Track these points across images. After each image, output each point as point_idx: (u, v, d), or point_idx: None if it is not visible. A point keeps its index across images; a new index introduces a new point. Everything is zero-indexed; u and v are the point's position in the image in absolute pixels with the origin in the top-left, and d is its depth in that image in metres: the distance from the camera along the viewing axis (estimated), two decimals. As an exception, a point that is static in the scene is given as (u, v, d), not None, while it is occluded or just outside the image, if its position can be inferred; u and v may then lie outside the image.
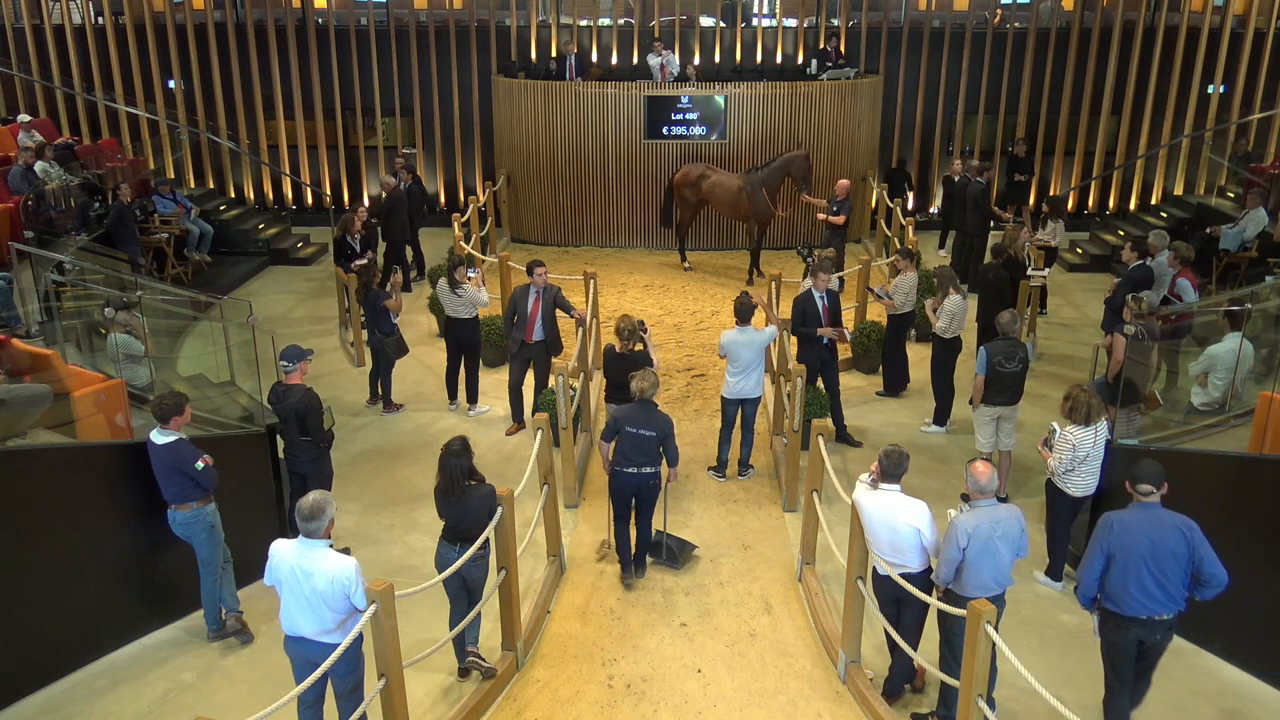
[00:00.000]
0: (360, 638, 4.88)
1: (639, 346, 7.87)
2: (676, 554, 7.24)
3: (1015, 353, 7.78)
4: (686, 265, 14.17)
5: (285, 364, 6.91)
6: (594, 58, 15.92)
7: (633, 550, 7.07)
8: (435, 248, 13.83)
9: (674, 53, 15.33)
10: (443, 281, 9.47)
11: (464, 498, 5.69)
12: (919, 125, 16.37)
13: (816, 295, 8.87)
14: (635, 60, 15.94)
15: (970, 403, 8.16)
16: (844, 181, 12.64)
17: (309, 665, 4.86)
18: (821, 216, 12.63)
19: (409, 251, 13.61)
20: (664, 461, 6.89)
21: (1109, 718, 5.35)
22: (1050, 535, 6.97)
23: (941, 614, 5.28)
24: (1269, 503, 5.92)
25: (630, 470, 6.78)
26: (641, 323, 7.97)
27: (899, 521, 5.40)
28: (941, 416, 9.36)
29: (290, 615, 4.86)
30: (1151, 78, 15.88)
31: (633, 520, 7.05)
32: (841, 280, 10.09)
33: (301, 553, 4.79)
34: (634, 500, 6.94)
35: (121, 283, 9.41)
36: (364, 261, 11.16)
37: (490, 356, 10.53)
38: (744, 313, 8.15)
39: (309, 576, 4.74)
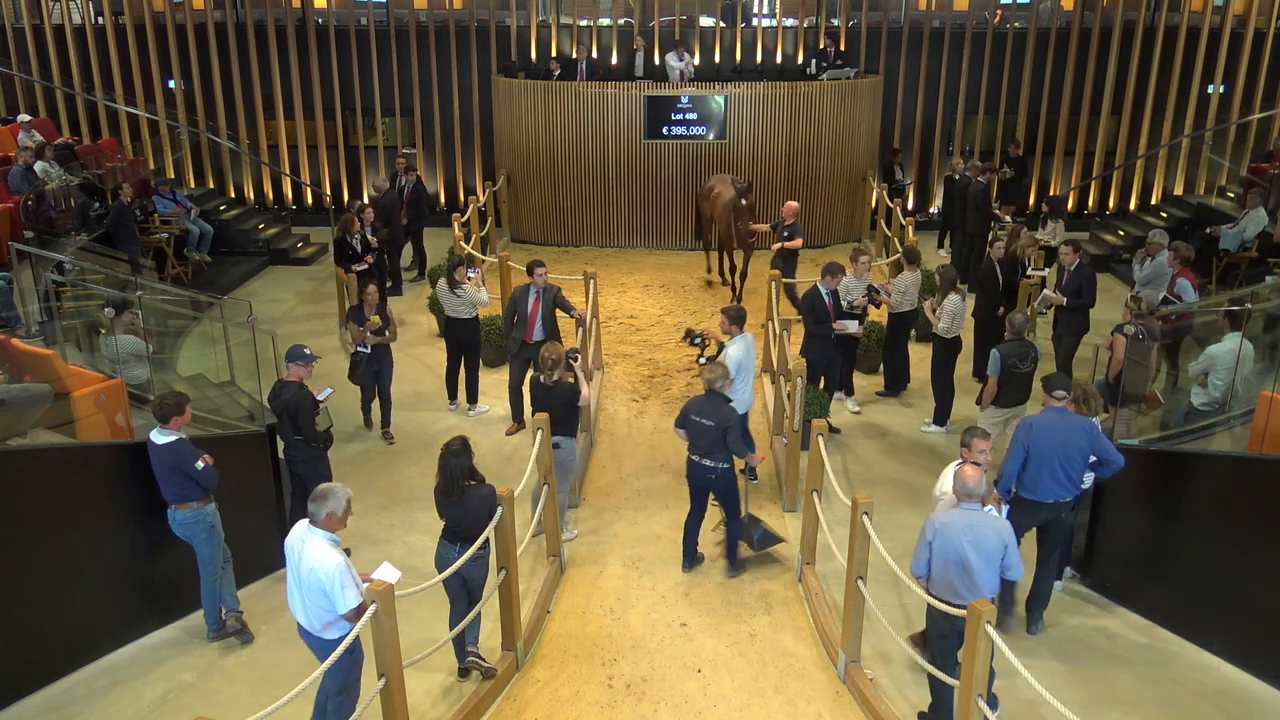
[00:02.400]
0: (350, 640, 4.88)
1: (570, 378, 7.52)
2: (753, 538, 7.22)
3: (1028, 353, 7.82)
4: (709, 278, 13.66)
5: (288, 363, 6.98)
6: (594, 56, 15.90)
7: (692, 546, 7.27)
8: (436, 248, 13.83)
9: (694, 55, 15.23)
10: (442, 282, 9.47)
11: (464, 498, 5.70)
12: (919, 125, 16.36)
13: (824, 291, 8.95)
14: (638, 60, 15.94)
15: (978, 403, 8.16)
16: (792, 204, 11.72)
17: (313, 657, 4.94)
18: (777, 246, 11.44)
19: (408, 253, 13.64)
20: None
21: None
22: None
23: (927, 610, 5.30)
24: (1269, 503, 5.91)
25: (695, 458, 6.94)
26: (573, 350, 7.75)
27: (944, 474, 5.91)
28: (941, 416, 9.36)
29: (290, 595, 4.92)
30: (1151, 78, 15.87)
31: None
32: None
33: (301, 535, 4.88)
34: (709, 494, 7.11)
35: (122, 283, 9.40)
36: (364, 267, 11.16)
37: (490, 356, 10.53)
38: (739, 317, 8.04)
39: (300, 559, 4.82)
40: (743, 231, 11.85)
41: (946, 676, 5.20)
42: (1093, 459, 6.16)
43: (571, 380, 7.52)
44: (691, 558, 7.23)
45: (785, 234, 11.49)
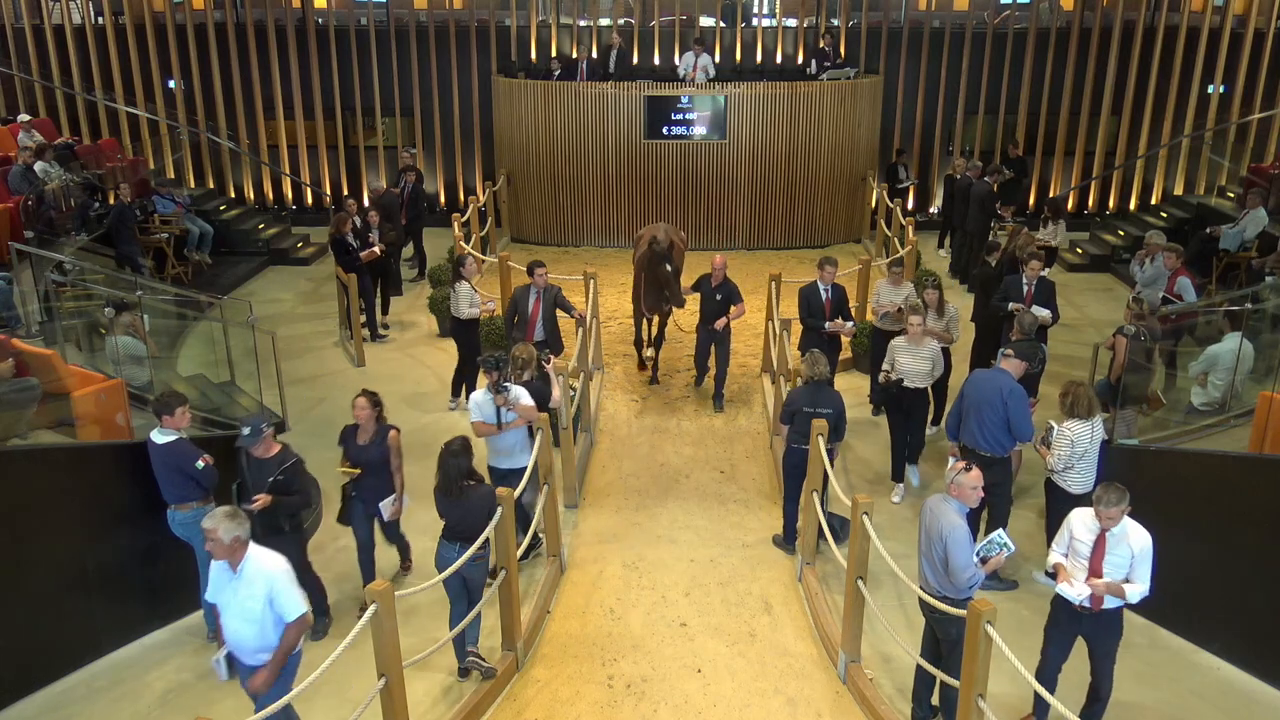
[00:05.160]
0: None
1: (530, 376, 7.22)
2: (838, 532, 7.24)
3: (1035, 353, 7.81)
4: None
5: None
6: (594, 56, 15.90)
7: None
8: (436, 248, 13.83)
9: (711, 55, 15.10)
10: (462, 284, 9.41)
11: (464, 498, 5.70)
12: (919, 125, 16.36)
13: (821, 287, 8.97)
14: (635, 60, 15.93)
15: None
16: (719, 258, 9.52)
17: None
18: (722, 322, 9.39)
19: (407, 253, 13.62)
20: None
21: None
22: (1050, 534, 6.96)
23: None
24: (1269, 503, 5.92)
25: (801, 446, 7.13)
26: (546, 353, 7.63)
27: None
28: (939, 416, 9.34)
29: None
30: (1151, 78, 15.86)
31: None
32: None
33: None
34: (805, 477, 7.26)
35: (121, 283, 9.41)
36: (375, 249, 11.06)
37: (490, 357, 10.50)
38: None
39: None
40: (672, 290, 9.52)
41: (928, 665, 5.37)
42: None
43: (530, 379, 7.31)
44: (795, 538, 7.47)
45: (718, 296, 9.42)
